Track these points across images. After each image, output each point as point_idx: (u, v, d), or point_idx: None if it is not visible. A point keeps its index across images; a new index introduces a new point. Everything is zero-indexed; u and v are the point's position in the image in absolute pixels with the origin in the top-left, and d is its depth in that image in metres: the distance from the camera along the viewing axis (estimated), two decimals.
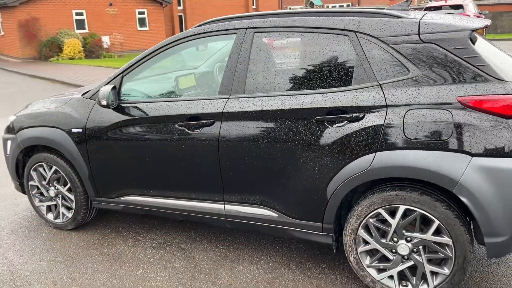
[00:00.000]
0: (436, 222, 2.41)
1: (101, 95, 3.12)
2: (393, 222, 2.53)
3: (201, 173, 3.02)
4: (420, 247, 2.52)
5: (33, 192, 3.87)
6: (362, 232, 2.64)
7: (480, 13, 17.65)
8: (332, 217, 2.70)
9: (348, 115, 2.52)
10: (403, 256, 2.58)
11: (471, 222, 2.53)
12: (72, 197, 3.64)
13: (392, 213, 2.53)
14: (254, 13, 3.02)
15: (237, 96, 2.86)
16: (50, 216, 3.85)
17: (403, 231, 2.53)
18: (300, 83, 2.73)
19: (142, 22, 26.33)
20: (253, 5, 32.89)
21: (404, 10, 2.88)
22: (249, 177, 2.87)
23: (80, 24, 24.13)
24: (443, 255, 2.47)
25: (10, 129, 3.88)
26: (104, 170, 3.39)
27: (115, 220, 3.96)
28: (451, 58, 2.39)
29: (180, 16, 29.48)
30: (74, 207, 3.65)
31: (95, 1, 24.33)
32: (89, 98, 3.43)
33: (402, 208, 2.48)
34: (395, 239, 2.57)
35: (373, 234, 2.62)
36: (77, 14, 23.94)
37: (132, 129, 3.18)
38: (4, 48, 25.64)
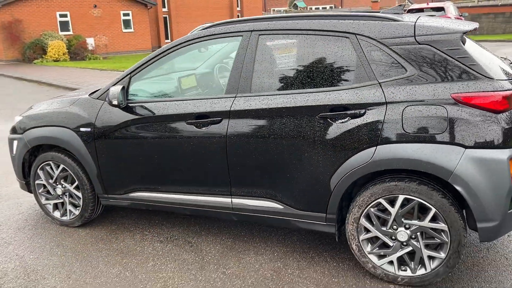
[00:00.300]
0: (433, 210, 2.61)
1: (112, 95, 3.25)
2: (393, 210, 2.72)
3: (208, 168, 3.17)
4: (418, 233, 2.72)
5: (40, 191, 3.96)
6: (363, 221, 2.83)
7: (460, 15, 18.17)
8: (335, 208, 2.88)
9: (350, 112, 2.71)
10: (402, 243, 2.77)
11: (463, 210, 2.74)
12: (79, 194, 3.75)
13: (392, 203, 2.73)
14: (259, 16, 3.19)
15: (243, 95, 3.02)
16: (57, 214, 3.94)
17: (402, 219, 2.73)
18: (304, 82, 2.90)
19: (127, 23, 26.26)
20: (237, 7, 33.05)
21: (398, 13, 3.09)
22: (255, 172, 3.03)
23: (64, 25, 23.96)
24: (439, 240, 2.67)
25: (16, 130, 3.96)
26: (112, 167, 3.51)
27: (120, 217, 4.08)
28: (444, 58, 2.59)
29: (165, 18, 29.45)
30: (81, 205, 3.76)
31: (79, 2, 24.19)
32: (97, 98, 3.55)
33: (401, 198, 2.68)
34: (395, 227, 2.76)
35: (374, 223, 2.81)
36: (61, 15, 23.77)
37: (141, 127, 3.32)
38: None
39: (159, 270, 3.15)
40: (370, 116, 2.66)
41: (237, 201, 3.17)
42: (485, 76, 2.53)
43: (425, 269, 2.75)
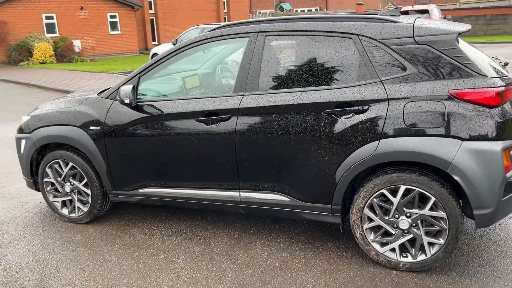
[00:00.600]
0: (432, 199, 2.80)
1: (123, 94, 3.37)
2: (395, 200, 2.90)
3: (217, 163, 3.31)
4: (419, 221, 2.90)
5: (48, 189, 4.05)
6: (367, 211, 3.00)
7: (444, 18, 18.61)
8: (340, 199, 3.05)
9: (354, 108, 2.88)
10: (403, 231, 2.95)
11: (460, 199, 2.93)
12: (88, 191, 3.85)
13: (394, 193, 2.91)
14: (265, 18, 3.34)
15: (251, 93, 3.17)
16: (65, 211, 4.03)
17: (404, 208, 2.91)
18: (309, 80, 3.07)
19: (113, 25, 26.18)
20: (224, 9, 33.19)
21: (395, 15, 3.28)
22: (263, 166, 3.18)
23: (50, 28, 23.79)
24: (438, 227, 2.86)
25: (23, 129, 4.04)
26: (122, 164, 3.62)
27: (127, 213, 4.19)
28: (441, 57, 2.79)
29: (152, 20, 29.42)
30: (90, 201, 3.86)
31: (65, 4, 24.05)
32: (107, 98, 3.66)
33: (402, 188, 2.86)
34: (397, 216, 2.94)
35: (377, 212, 2.99)
36: (47, 17, 23.60)
37: (151, 125, 3.44)
38: None
39: (171, 262, 3.27)
40: (373, 112, 2.84)
41: (245, 194, 3.31)
42: (479, 74, 2.73)
43: (425, 255, 2.93)
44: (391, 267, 3.03)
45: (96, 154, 3.67)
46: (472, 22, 27.04)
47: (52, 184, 4.03)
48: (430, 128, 2.73)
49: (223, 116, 3.21)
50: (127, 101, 3.37)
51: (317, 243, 3.44)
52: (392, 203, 2.93)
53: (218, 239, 3.59)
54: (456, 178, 2.71)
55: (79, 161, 3.79)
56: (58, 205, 4.05)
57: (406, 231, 2.95)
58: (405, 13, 18.14)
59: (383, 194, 2.94)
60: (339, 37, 3.01)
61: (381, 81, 2.86)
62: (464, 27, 2.97)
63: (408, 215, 2.91)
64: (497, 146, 2.67)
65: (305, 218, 3.23)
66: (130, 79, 3.57)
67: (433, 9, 17.79)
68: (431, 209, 2.84)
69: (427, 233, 2.92)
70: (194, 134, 3.31)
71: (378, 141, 2.83)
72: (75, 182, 3.90)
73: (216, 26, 3.48)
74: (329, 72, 3.02)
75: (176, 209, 4.19)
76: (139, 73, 3.56)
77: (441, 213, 2.81)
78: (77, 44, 24.07)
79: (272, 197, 3.24)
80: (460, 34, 2.85)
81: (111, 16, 25.95)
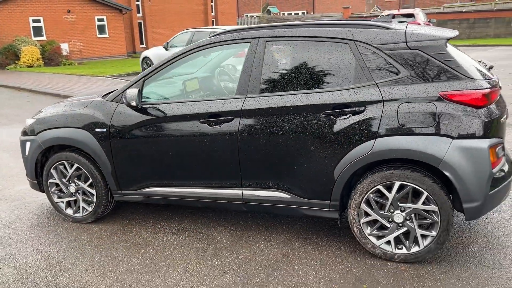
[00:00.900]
0: (425, 194, 3.00)
1: (130, 97, 3.51)
2: (390, 195, 3.09)
3: (221, 163, 3.46)
4: (412, 215, 3.09)
5: (52, 190, 4.15)
6: (364, 206, 3.19)
7: (429, 21, 19.05)
8: (338, 195, 3.23)
9: (351, 109, 3.06)
10: (398, 224, 3.14)
11: (450, 194, 3.13)
12: (93, 191, 3.97)
13: (389, 189, 3.10)
14: (265, 24, 3.52)
15: (253, 96, 3.33)
16: (70, 211, 4.14)
17: (398, 203, 3.10)
18: (308, 83, 3.24)
19: (101, 29, 26.10)
20: (212, 12, 33.32)
21: (387, 22, 3.48)
22: (265, 165, 3.35)
23: (38, 31, 23.63)
24: (431, 220, 3.05)
25: (28, 132, 4.14)
26: (127, 165, 3.75)
27: (129, 213, 4.31)
28: (432, 61, 2.99)
29: (140, 23, 29.40)
30: (95, 201, 3.98)
31: (53, 8, 23.92)
32: (112, 101, 3.79)
33: (397, 184, 3.05)
34: (392, 210, 3.13)
35: (373, 207, 3.17)
36: (34, 21, 23.43)
37: (156, 126, 3.58)
38: None
39: (177, 258, 3.42)
40: (369, 112, 3.03)
41: (247, 192, 3.47)
42: (467, 77, 2.93)
43: (419, 247, 3.12)
44: (387, 258, 3.21)
45: (102, 155, 3.79)
46: (455, 26, 27.65)
47: (57, 185, 4.14)
48: (422, 127, 2.93)
49: (226, 118, 3.37)
50: (133, 103, 3.51)
51: (316, 238, 3.62)
52: (387, 198, 3.11)
53: (221, 235, 3.75)
54: (447, 174, 2.91)
55: (84, 162, 3.90)
56: (63, 205, 4.16)
57: (400, 224, 3.14)
58: (392, 17, 18.55)
59: (379, 190, 3.12)
60: (336, 42, 3.20)
61: (376, 83, 3.05)
62: (452, 33, 3.19)
63: (402, 209, 3.11)
64: (484, 143, 2.88)
65: (305, 214, 3.40)
66: (135, 83, 3.70)
67: (418, 13, 18.22)
68: (423, 203, 3.03)
69: (420, 226, 3.11)
70: (198, 135, 3.46)
71: (374, 140, 3.02)
72: (79, 182, 4.01)
73: (220, 31, 3.63)
74: (327, 75, 3.21)
75: (178, 208, 4.33)
76: (143, 77, 3.70)
77: (433, 207, 3.01)
78: (64, 47, 23.94)
79: (273, 195, 3.41)
80: (449, 39, 3.05)
81: (99, 19, 25.87)
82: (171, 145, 3.56)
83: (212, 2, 33.30)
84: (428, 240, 3.10)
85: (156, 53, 14.08)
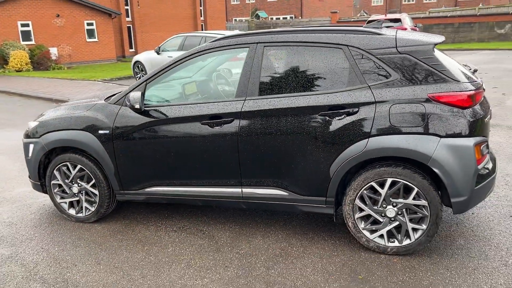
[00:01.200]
0: (415, 189, 3.19)
1: (134, 100, 3.65)
2: (383, 192, 3.28)
3: (221, 162, 3.62)
4: (404, 210, 3.28)
5: (55, 190, 4.26)
6: (358, 202, 3.37)
7: (415, 26, 19.45)
8: (333, 192, 3.41)
9: (345, 110, 3.25)
10: (390, 218, 3.33)
11: (439, 190, 3.32)
12: (96, 192, 4.09)
13: (382, 185, 3.28)
14: (263, 30, 3.69)
15: (252, 98, 3.50)
16: (72, 211, 4.26)
17: (390, 199, 3.29)
18: (305, 86, 3.42)
19: (90, 33, 26.07)
20: (201, 16, 33.47)
21: (377, 28, 3.68)
22: (264, 164, 3.51)
23: (26, 35, 23.52)
24: (421, 215, 3.25)
25: (31, 134, 4.25)
26: (130, 165, 3.89)
27: (131, 212, 4.44)
28: (421, 65, 3.19)
29: (129, 27, 29.41)
30: (97, 201, 4.10)
31: (41, 12, 23.84)
32: (115, 103, 3.93)
33: (389, 180, 3.24)
34: (384, 205, 3.32)
35: (367, 203, 3.36)
36: (22, 25, 23.32)
37: (158, 128, 3.73)
38: None
39: (179, 254, 3.56)
40: (363, 113, 3.22)
41: (247, 190, 3.63)
42: (453, 79, 3.14)
43: (410, 240, 3.31)
44: (380, 251, 3.39)
45: (105, 156, 3.92)
46: (441, 30, 28.21)
47: (60, 186, 4.25)
48: (412, 127, 3.12)
49: (226, 119, 3.53)
50: (137, 106, 3.65)
51: (312, 234, 3.79)
52: (380, 194, 3.30)
53: (221, 232, 3.90)
54: (435, 170, 3.10)
55: (87, 163, 4.03)
56: (65, 206, 4.27)
57: (392, 218, 3.33)
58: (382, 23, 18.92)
59: (372, 187, 3.31)
60: (331, 47, 3.38)
61: (369, 86, 3.24)
62: (439, 38, 3.40)
63: (394, 204, 3.29)
64: (470, 142, 3.08)
65: (302, 211, 3.57)
66: (137, 86, 3.84)
67: (405, 18, 18.58)
68: (414, 198, 3.22)
69: (411, 220, 3.30)
70: (199, 135, 3.62)
71: (367, 139, 3.21)
72: (82, 183, 4.14)
73: (221, 36, 3.80)
74: (322, 78, 3.39)
75: (178, 207, 4.47)
76: (145, 80, 3.84)
77: (423, 202, 3.20)
78: (53, 51, 23.84)
79: (272, 192, 3.57)
80: (436, 45, 3.26)
81: (88, 24, 25.84)
82: (173, 145, 3.71)
83: (201, 6, 33.47)
84: (419, 233, 3.29)
85: (147, 58, 14.16)
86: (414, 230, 3.31)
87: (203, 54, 3.75)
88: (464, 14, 28.75)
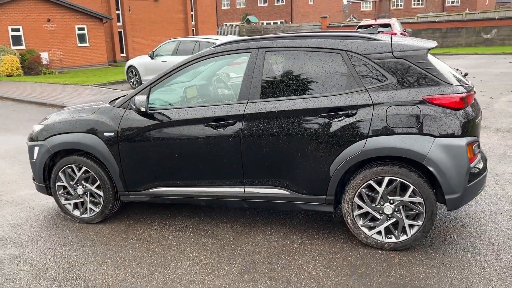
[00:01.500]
0: (412, 187, 3.35)
1: (139, 103, 3.76)
2: (380, 190, 3.43)
3: (224, 163, 3.75)
4: (400, 207, 3.44)
5: (60, 192, 4.35)
6: (357, 200, 3.52)
7: (405, 31, 19.79)
8: (333, 190, 3.55)
9: (344, 112, 3.40)
10: (387, 215, 3.49)
11: (434, 189, 3.49)
12: (100, 193, 4.19)
13: (379, 183, 3.44)
14: (264, 36, 3.84)
15: (254, 101, 3.64)
16: (77, 213, 4.35)
17: (388, 196, 3.44)
18: (305, 89, 3.58)
19: (82, 38, 26.05)
20: (192, 21, 33.62)
21: (373, 33, 3.85)
22: (266, 164, 3.65)
23: (17, 40, 23.44)
24: (417, 211, 3.41)
25: (35, 137, 4.34)
26: (135, 167, 4.00)
27: (134, 213, 4.54)
28: (415, 69, 3.36)
29: (120, 32, 29.45)
30: (102, 202, 4.20)
31: (32, 17, 23.79)
32: (119, 107, 4.04)
33: (386, 179, 3.39)
34: (382, 203, 3.47)
35: (365, 201, 3.51)
36: (13, 30, 23.24)
37: (163, 130, 3.85)
38: None
39: (184, 252, 3.67)
40: (361, 115, 3.37)
41: (249, 190, 3.76)
42: (446, 82, 3.32)
43: (406, 236, 3.47)
44: (378, 247, 3.54)
45: (110, 158, 4.03)
46: (429, 35, 28.69)
47: (64, 187, 4.34)
48: (408, 127, 3.29)
49: (229, 121, 3.66)
50: (143, 109, 3.77)
51: (312, 231, 3.93)
52: (378, 192, 3.46)
53: (224, 231, 4.02)
54: (430, 169, 3.27)
55: (92, 165, 4.13)
56: (70, 207, 4.36)
57: (390, 215, 3.48)
58: (369, 26, 19.24)
59: (370, 185, 3.46)
60: (330, 52, 3.54)
61: (366, 89, 3.40)
62: (432, 43, 3.57)
63: (391, 202, 3.45)
64: (462, 141, 3.26)
65: (302, 209, 3.71)
66: (142, 90, 3.96)
67: (394, 23, 18.90)
68: (410, 196, 3.38)
69: (407, 217, 3.46)
70: (203, 137, 3.74)
71: (365, 139, 3.36)
72: (87, 185, 4.23)
73: (224, 41, 3.94)
74: (321, 82, 3.54)
75: (180, 208, 4.58)
76: (150, 85, 3.96)
77: (419, 199, 3.36)
78: (44, 56, 23.77)
79: (273, 191, 3.71)
80: (429, 49, 3.43)
81: (79, 28, 25.83)
82: (177, 147, 3.83)
83: (192, 11, 33.62)
84: (415, 229, 3.45)
85: (141, 62, 14.23)
86: (411, 226, 3.47)
87: (206, 59, 3.89)
88: (452, 19, 29.29)
